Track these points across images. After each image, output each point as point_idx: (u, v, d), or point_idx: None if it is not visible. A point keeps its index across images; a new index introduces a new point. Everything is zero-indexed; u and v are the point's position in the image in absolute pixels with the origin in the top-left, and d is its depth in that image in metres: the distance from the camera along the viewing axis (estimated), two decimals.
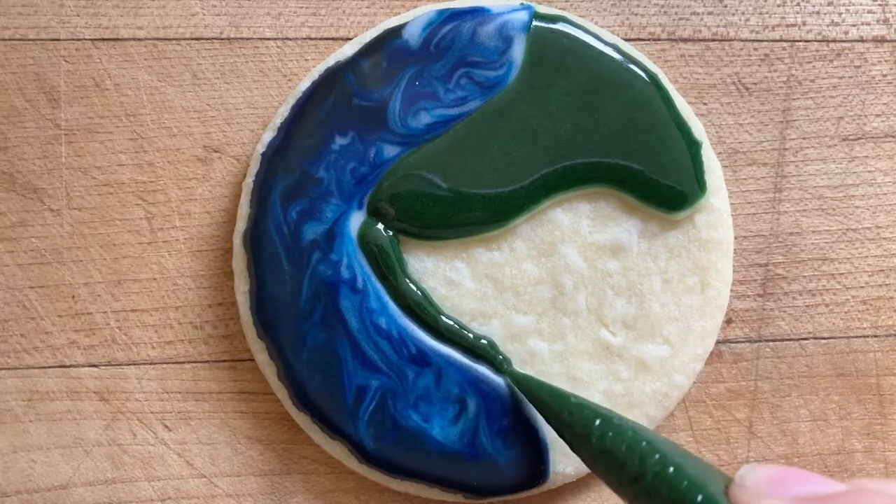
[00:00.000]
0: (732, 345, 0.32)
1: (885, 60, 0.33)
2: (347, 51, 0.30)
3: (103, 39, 0.31)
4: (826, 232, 0.33)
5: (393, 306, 0.30)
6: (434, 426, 0.29)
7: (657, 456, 0.22)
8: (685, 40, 0.32)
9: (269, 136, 0.30)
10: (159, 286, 0.31)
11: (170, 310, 0.31)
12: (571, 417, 0.26)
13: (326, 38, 0.32)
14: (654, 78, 0.30)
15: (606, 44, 0.30)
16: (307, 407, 0.29)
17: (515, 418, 0.29)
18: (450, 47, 0.30)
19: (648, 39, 0.32)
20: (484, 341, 0.30)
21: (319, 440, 0.30)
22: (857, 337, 0.33)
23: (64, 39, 0.31)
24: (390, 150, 0.29)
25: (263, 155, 0.30)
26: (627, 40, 0.32)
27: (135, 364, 0.31)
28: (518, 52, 0.30)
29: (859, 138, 0.33)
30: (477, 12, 0.30)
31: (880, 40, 0.33)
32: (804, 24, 0.33)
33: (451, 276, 0.30)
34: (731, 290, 0.31)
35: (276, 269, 0.29)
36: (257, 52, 0.31)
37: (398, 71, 0.30)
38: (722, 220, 0.31)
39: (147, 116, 0.31)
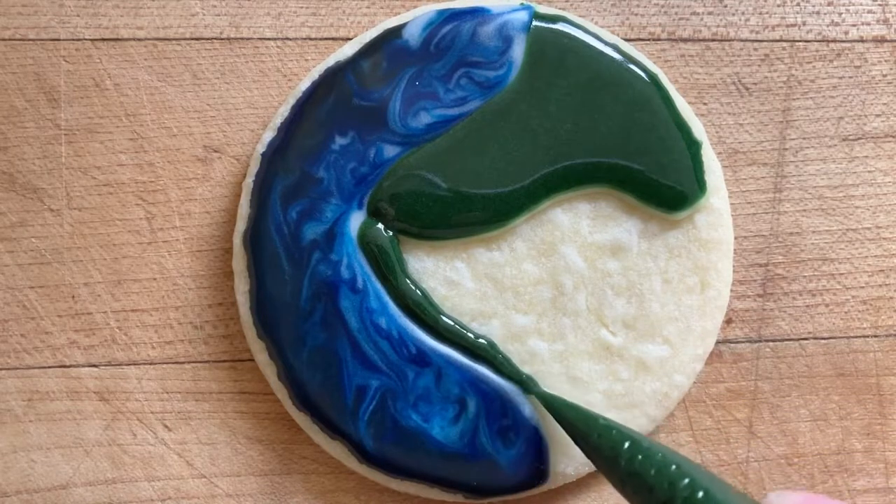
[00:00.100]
0: (732, 345, 0.32)
1: (885, 60, 0.33)
2: (347, 51, 0.30)
3: (103, 39, 0.31)
4: (826, 232, 0.33)
5: (393, 306, 0.30)
6: (434, 426, 0.29)
7: (686, 480, 0.22)
8: (685, 40, 0.32)
9: (269, 136, 0.30)
10: (159, 286, 0.31)
11: (170, 310, 0.31)
12: (600, 440, 0.25)
13: (326, 38, 0.32)
14: (654, 78, 0.30)
15: (606, 44, 0.30)
16: (307, 407, 0.29)
17: (515, 418, 0.29)
18: (450, 47, 0.30)
19: (648, 39, 0.32)
20: (483, 341, 0.30)
21: (319, 440, 0.30)
22: (857, 337, 0.33)
23: (64, 39, 0.31)
24: (390, 150, 0.29)
25: (263, 155, 0.30)
26: (627, 40, 0.32)
27: (135, 364, 0.31)
28: (518, 52, 0.30)
29: (859, 138, 0.33)
30: (477, 12, 0.30)
31: (880, 40, 0.33)
32: (804, 24, 0.32)
33: (451, 276, 0.30)
34: (731, 290, 0.31)
35: (276, 269, 0.29)
36: (257, 52, 0.31)
37: (398, 71, 0.30)
38: (722, 220, 0.31)
39: (147, 116, 0.31)
